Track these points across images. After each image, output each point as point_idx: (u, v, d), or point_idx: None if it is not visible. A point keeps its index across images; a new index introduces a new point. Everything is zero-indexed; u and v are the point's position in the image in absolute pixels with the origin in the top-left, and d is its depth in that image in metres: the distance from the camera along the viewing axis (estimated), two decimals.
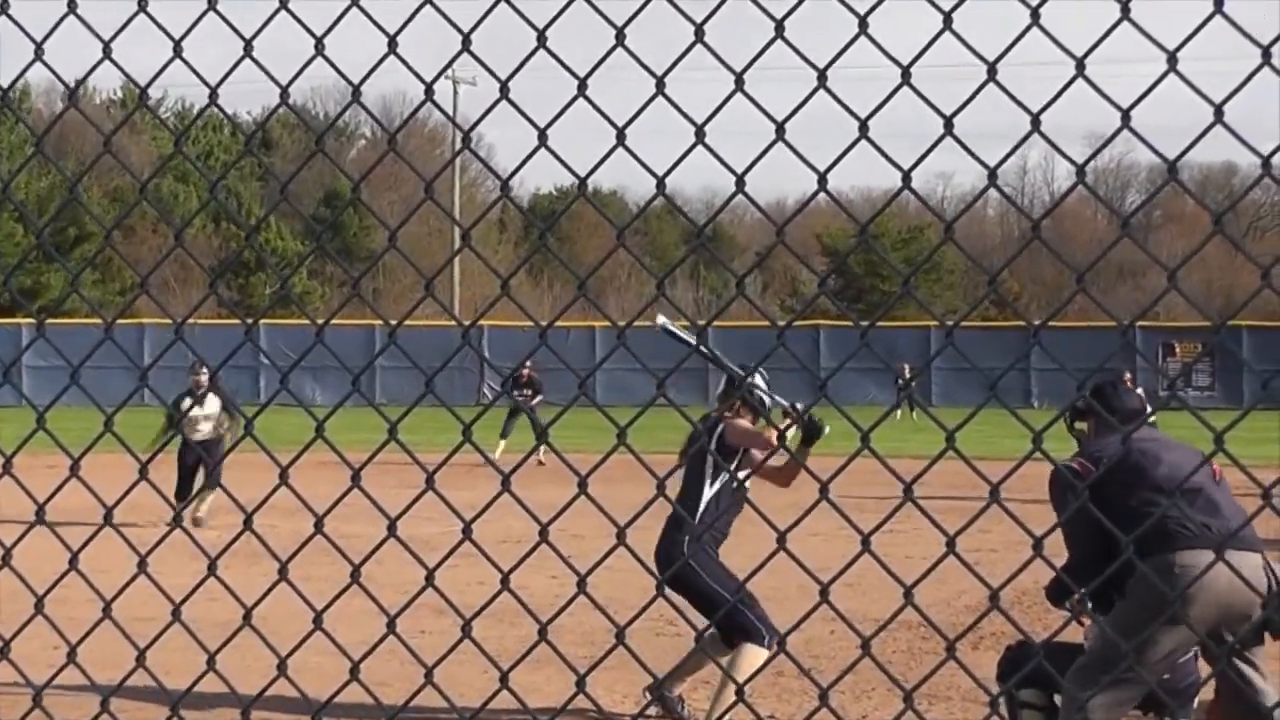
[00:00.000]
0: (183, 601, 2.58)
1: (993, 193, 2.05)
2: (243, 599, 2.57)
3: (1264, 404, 2.34)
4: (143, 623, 2.58)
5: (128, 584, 2.66)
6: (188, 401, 15.29)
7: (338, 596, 2.57)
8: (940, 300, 59.79)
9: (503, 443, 22.34)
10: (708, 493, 7.13)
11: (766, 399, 7.24)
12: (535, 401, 23.42)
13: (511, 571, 2.38)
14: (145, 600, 2.76)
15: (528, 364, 23.61)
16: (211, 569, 2.56)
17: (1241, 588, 4.94)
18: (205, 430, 15.27)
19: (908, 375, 35.36)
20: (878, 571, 2.30)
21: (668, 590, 2.60)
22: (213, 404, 15.44)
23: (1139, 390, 20.92)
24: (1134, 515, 4.96)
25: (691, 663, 7.38)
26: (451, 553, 2.49)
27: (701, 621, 6.92)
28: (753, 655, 6.94)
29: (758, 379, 7.35)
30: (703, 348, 7.07)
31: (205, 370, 15.18)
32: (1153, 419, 19.54)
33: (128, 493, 2.64)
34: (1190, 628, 5.00)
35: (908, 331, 44.71)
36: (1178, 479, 5.20)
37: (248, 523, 2.55)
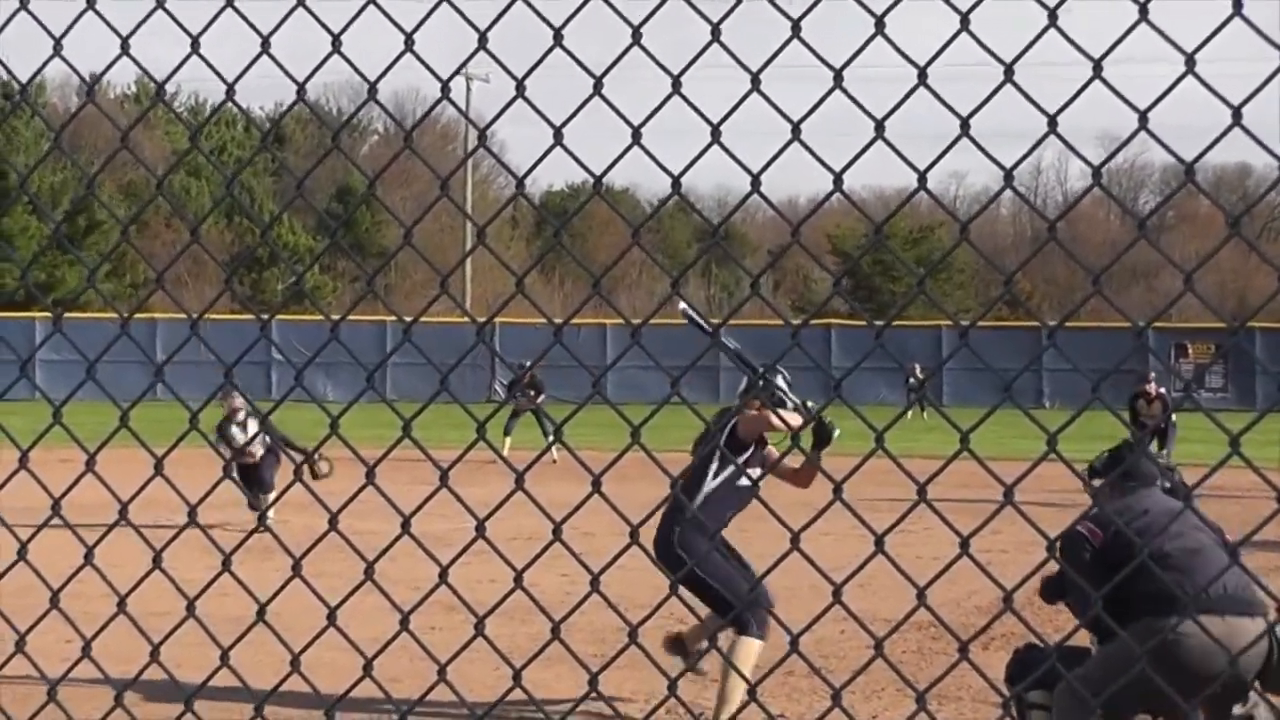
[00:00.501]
0: (197, 597, 2.58)
1: (1006, 192, 2.05)
2: (256, 595, 2.58)
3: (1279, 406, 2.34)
4: (157, 617, 2.59)
5: (142, 579, 2.67)
6: (235, 431, 14.68)
7: (351, 593, 2.57)
8: (950, 300, 59.66)
9: (508, 440, 22.46)
10: (709, 485, 7.18)
11: (786, 398, 7.30)
12: (540, 400, 23.50)
13: (525, 570, 2.38)
14: (159, 595, 2.77)
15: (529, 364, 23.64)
16: (226, 564, 2.57)
17: (1239, 653, 4.98)
18: (259, 452, 14.71)
19: (919, 375, 35.22)
20: (888, 571, 2.30)
21: (678, 588, 2.60)
22: (254, 425, 14.85)
23: (1162, 391, 20.59)
24: (1139, 577, 5.01)
25: (710, 626, 7.47)
26: (464, 550, 2.50)
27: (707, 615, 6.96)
28: (746, 646, 6.98)
29: (779, 380, 7.42)
30: (725, 344, 7.16)
31: (236, 394, 14.21)
32: (1173, 419, 19.42)
33: (143, 488, 2.65)
34: (1184, 688, 5.01)
35: (919, 331, 44.62)
36: (1186, 546, 5.26)
37: (262, 519, 2.55)
